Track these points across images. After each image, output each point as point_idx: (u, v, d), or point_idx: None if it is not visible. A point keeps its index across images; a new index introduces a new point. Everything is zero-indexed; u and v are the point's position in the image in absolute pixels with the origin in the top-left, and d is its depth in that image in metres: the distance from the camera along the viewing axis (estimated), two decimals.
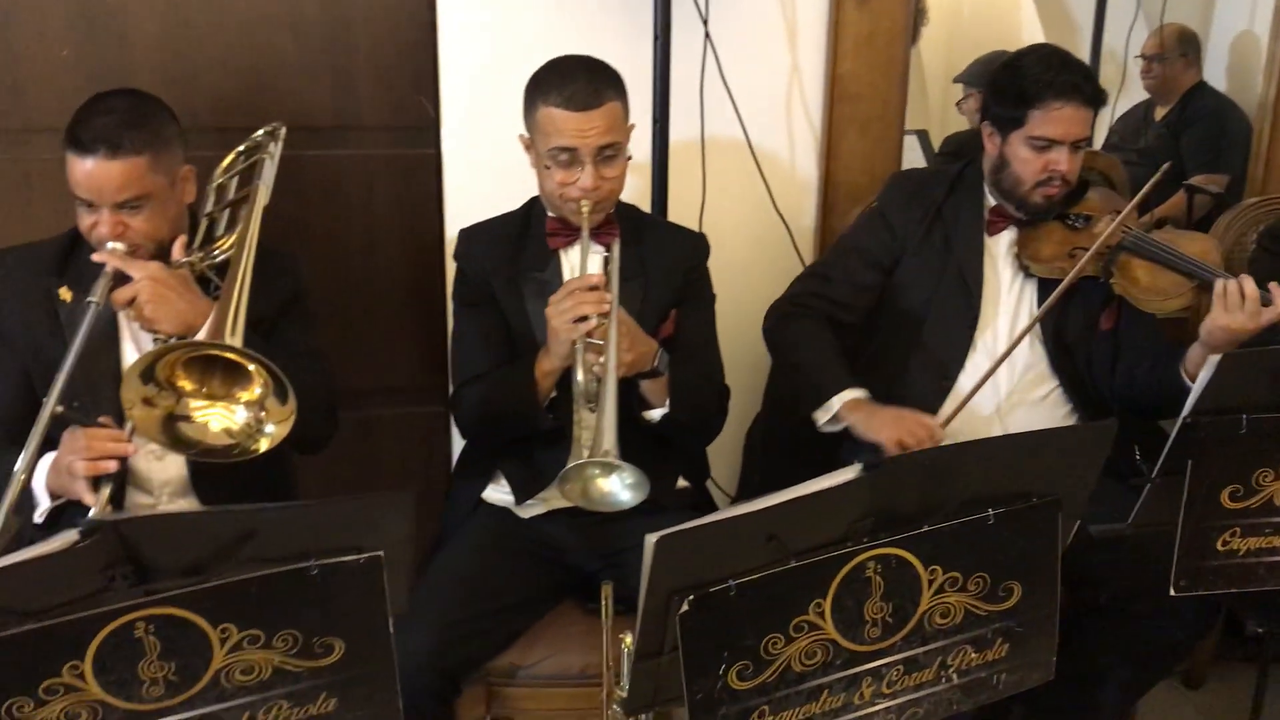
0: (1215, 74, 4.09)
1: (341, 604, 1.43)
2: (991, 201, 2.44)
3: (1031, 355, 2.40)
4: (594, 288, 2.04)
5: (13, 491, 1.81)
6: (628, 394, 2.18)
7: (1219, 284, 2.18)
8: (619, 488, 1.91)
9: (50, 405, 1.85)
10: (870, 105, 2.83)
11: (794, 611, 1.46)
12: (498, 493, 2.33)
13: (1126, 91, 3.92)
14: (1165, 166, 2.34)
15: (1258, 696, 2.12)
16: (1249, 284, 2.16)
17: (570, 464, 1.89)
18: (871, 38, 2.79)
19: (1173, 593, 1.78)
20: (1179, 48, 4.02)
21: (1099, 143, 3.93)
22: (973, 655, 1.57)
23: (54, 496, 1.97)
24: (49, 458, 1.94)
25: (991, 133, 2.40)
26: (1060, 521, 1.54)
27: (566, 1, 2.64)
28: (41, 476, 1.96)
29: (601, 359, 1.99)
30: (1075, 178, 2.36)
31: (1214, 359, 1.67)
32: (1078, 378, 2.40)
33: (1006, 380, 2.38)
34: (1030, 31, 4.05)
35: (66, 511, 1.96)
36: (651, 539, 1.35)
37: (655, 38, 2.54)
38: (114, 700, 1.37)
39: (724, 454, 2.95)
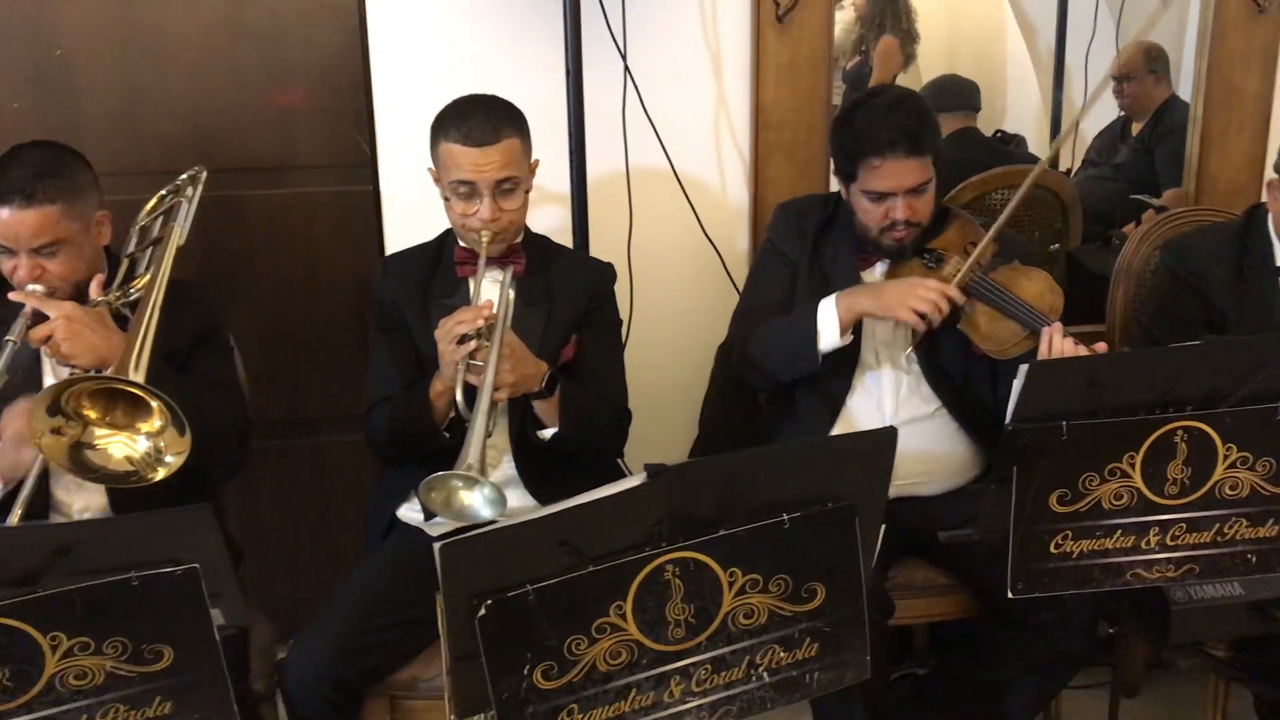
0: (1189, 88, 4.08)
1: (166, 613, 1.53)
2: None
3: (912, 379, 2.45)
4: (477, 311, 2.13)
5: None
6: (523, 414, 2.28)
7: (1044, 335, 2.21)
8: (480, 502, 2.00)
9: None
10: (795, 131, 2.90)
11: (595, 614, 1.53)
12: (411, 511, 2.42)
13: (1093, 111, 3.91)
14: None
15: (1113, 701, 2.13)
16: (1068, 344, 2.17)
17: (434, 475, 1.99)
18: (793, 65, 2.86)
19: (1010, 595, 1.81)
20: (1146, 65, 4.01)
21: (1077, 161, 3.94)
22: (782, 654, 1.62)
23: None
24: None
25: (841, 183, 2.45)
26: (858, 526, 1.60)
27: (491, 41, 2.76)
28: None
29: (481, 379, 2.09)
30: (924, 217, 2.38)
31: (1024, 368, 1.71)
32: (959, 397, 2.44)
33: (891, 403, 2.43)
34: (1015, 43, 4.06)
35: None
36: (437, 546, 1.44)
37: (567, 72, 2.63)
38: None
39: None
